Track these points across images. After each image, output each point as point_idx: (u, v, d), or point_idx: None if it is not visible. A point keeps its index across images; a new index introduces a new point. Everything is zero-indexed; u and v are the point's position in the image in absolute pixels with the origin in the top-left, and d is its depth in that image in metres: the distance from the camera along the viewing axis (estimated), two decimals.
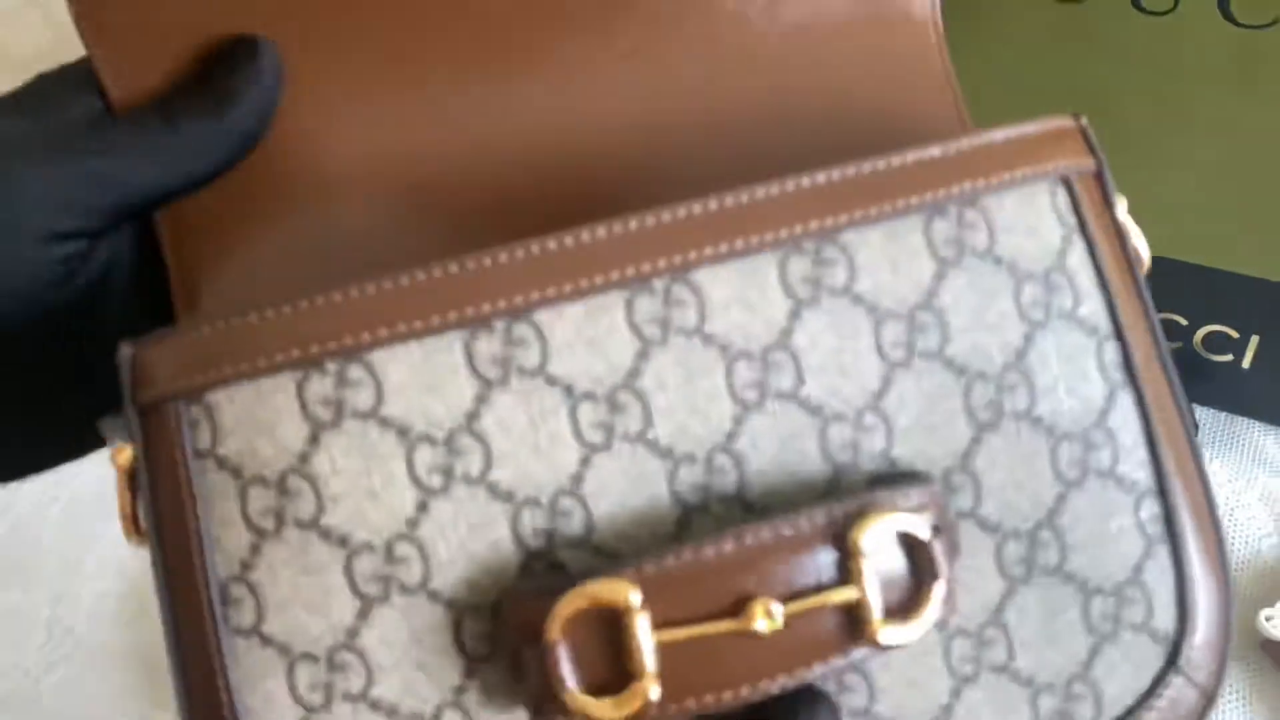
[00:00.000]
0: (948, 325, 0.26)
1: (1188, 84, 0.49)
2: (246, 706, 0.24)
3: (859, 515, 0.23)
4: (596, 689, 0.23)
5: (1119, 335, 0.27)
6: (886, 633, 0.23)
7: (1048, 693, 0.26)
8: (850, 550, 0.23)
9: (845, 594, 0.23)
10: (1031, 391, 0.26)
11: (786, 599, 0.23)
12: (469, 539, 0.25)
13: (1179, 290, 0.57)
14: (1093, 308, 0.27)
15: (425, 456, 0.25)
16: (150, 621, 0.61)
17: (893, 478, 0.26)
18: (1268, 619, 0.50)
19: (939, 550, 0.24)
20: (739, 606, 0.23)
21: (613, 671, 0.23)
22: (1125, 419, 0.27)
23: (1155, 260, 0.56)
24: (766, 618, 0.23)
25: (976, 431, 0.26)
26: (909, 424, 0.26)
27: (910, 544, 0.24)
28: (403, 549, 0.25)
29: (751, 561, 0.23)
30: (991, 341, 0.26)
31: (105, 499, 0.67)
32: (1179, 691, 0.26)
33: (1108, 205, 0.29)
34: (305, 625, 0.25)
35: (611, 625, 0.23)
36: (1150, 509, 0.26)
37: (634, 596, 0.23)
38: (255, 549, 0.25)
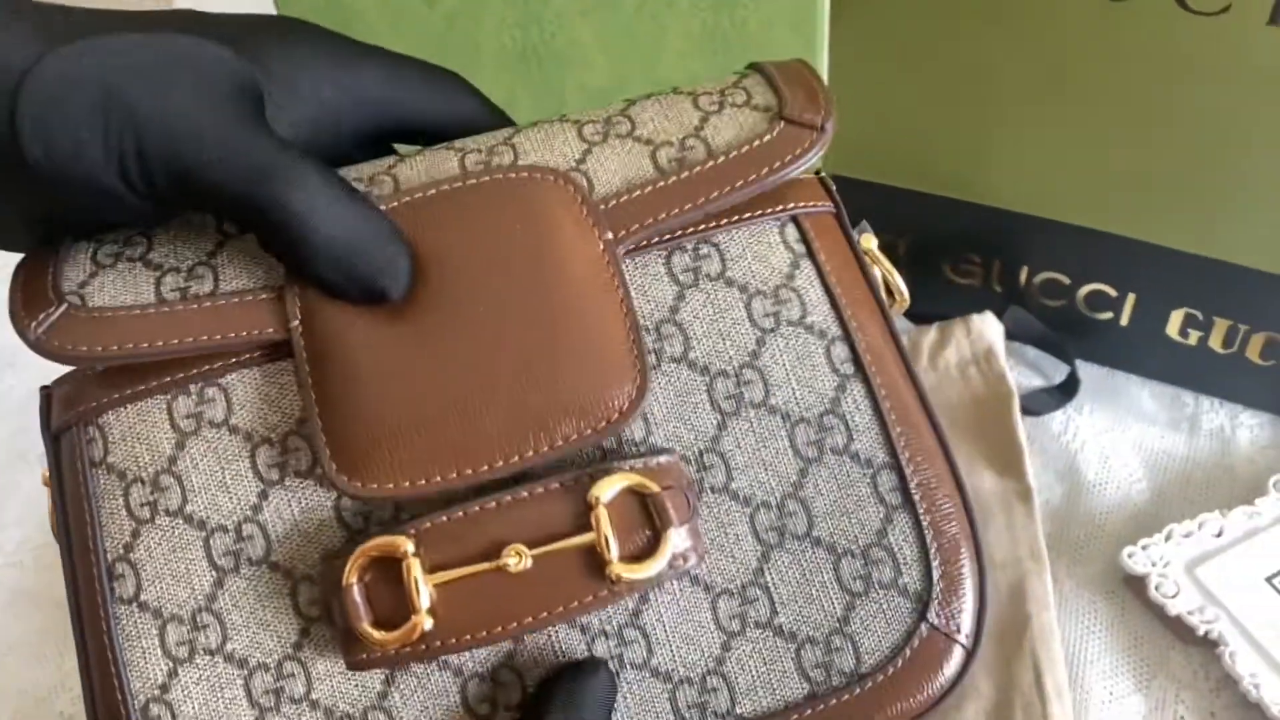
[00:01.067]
0: (689, 335, 0.31)
1: (1068, 55, 0.52)
2: (126, 661, 0.29)
3: (597, 476, 0.29)
4: (383, 624, 0.28)
5: (847, 337, 0.31)
6: (623, 571, 0.28)
7: (809, 646, 0.30)
8: (590, 504, 0.28)
9: (584, 539, 0.28)
10: (766, 385, 0.31)
11: (535, 545, 0.28)
12: (301, 520, 0.30)
13: (1063, 251, 0.60)
14: (820, 316, 0.32)
15: (264, 455, 0.30)
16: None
17: (637, 454, 0.30)
18: (1129, 555, 0.53)
19: (669, 502, 0.28)
20: (495, 551, 0.28)
21: (396, 609, 0.28)
22: (857, 405, 0.31)
23: (1041, 222, 0.59)
24: (516, 557, 0.28)
25: (721, 419, 0.31)
26: (664, 415, 0.31)
27: (644, 499, 0.29)
28: (249, 529, 0.30)
29: (506, 515, 0.28)
30: (728, 345, 0.31)
31: (25, 454, 0.68)
32: (933, 642, 0.29)
33: (845, 237, 0.34)
34: (174, 593, 0.30)
35: (395, 572, 0.28)
36: (888, 481, 0.30)
37: (408, 546, 0.28)
38: (135, 534, 0.30)
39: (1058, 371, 0.63)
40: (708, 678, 0.29)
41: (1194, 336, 0.60)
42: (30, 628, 0.59)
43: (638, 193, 0.32)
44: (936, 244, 0.64)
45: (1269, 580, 0.52)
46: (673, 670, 0.30)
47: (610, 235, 0.31)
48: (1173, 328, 0.60)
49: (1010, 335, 0.63)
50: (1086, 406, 0.62)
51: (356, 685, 0.30)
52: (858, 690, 0.29)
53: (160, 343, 0.30)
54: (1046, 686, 0.50)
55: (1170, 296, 0.59)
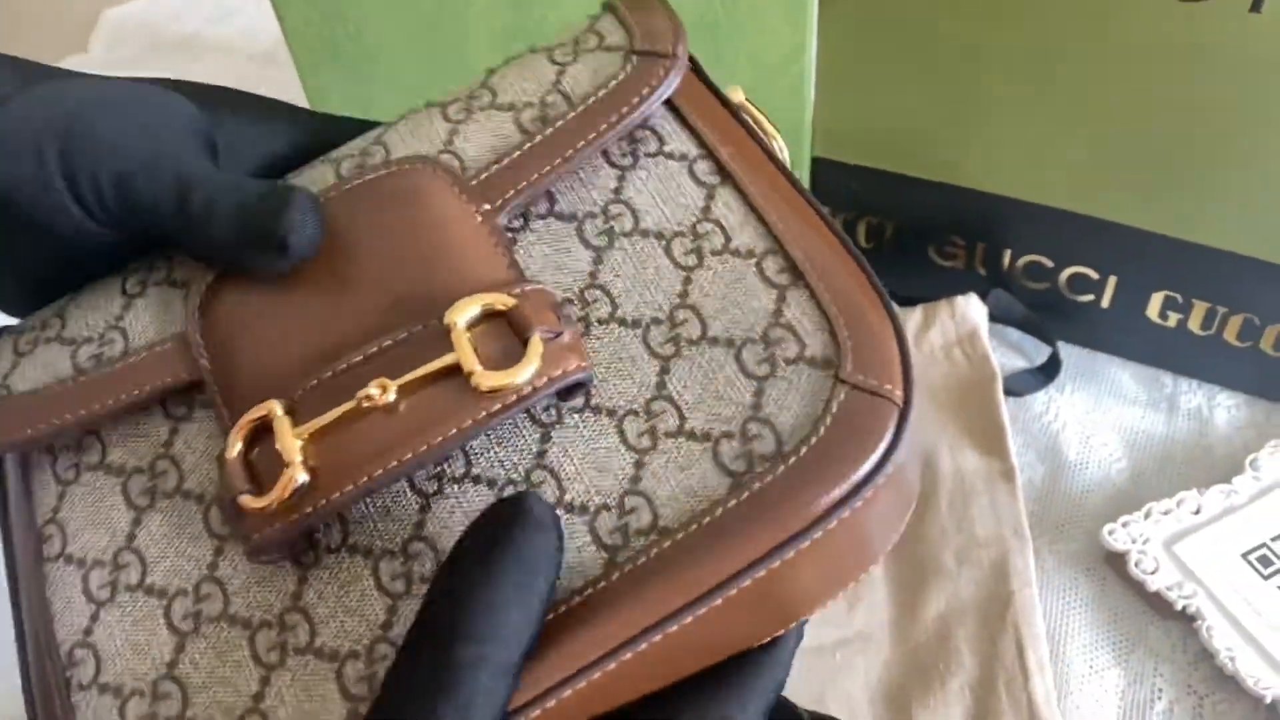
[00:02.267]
0: (555, 197, 0.32)
1: (1053, 41, 0.53)
2: (55, 613, 0.30)
3: (449, 305, 0.28)
4: (263, 491, 0.27)
5: (709, 154, 0.32)
6: (488, 377, 0.27)
7: (726, 440, 0.28)
8: (446, 329, 0.28)
9: (446, 359, 0.27)
10: (635, 214, 0.31)
11: (399, 376, 0.27)
12: (207, 450, 0.30)
13: (1046, 234, 0.61)
14: (679, 143, 0.32)
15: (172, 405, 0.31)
16: None
17: None
18: (1110, 533, 0.54)
19: (528, 309, 0.28)
20: (364, 393, 0.27)
21: (273, 472, 0.27)
22: (728, 206, 0.31)
23: (1025, 206, 0.60)
24: (379, 389, 0.27)
25: (596, 255, 0.31)
26: (536, 269, 0.31)
27: (506, 316, 0.28)
28: (161, 465, 0.30)
29: (371, 364, 0.28)
30: (591, 191, 0.32)
31: None
32: (855, 401, 0.27)
33: (706, 85, 0.33)
34: (95, 540, 0.30)
35: (268, 442, 0.28)
36: (773, 264, 0.30)
37: (277, 409, 0.28)
38: (61, 496, 0.31)
39: (1040, 353, 0.64)
40: (625, 499, 0.28)
41: (1173, 318, 0.61)
42: None
43: (506, 159, 0.32)
44: (922, 227, 0.65)
45: (1245, 556, 0.53)
46: (588, 501, 0.28)
47: (487, 206, 0.31)
48: (1153, 310, 0.61)
49: (993, 317, 0.64)
50: (1068, 387, 0.63)
51: (270, 590, 0.29)
52: (782, 468, 0.26)
53: (82, 412, 0.30)
54: (1028, 661, 0.51)
55: (1150, 279, 0.60)
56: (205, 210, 0.30)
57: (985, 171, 0.60)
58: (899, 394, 0.27)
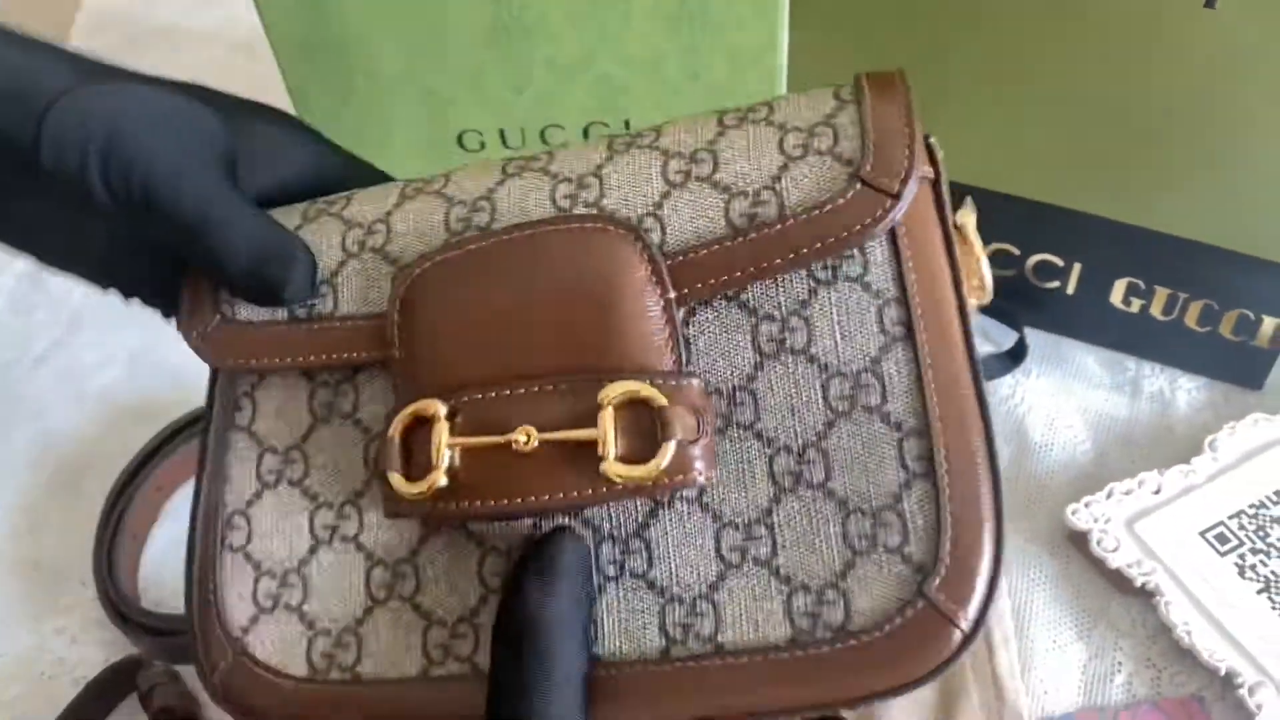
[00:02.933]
0: (744, 295, 0.32)
1: (1018, 35, 0.54)
2: (229, 479, 0.35)
3: (610, 380, 0.30)
4: (412, 479, 0.31)
5: (904, 301, 0.31)
6: (614, 468, 0.29)
7: (802, 592, 0.29)
8: (599, 404, 0.30)
9: (586, 433, 0.30)
10: (810, 335, 0.31)
11: (545, 431, 0.30)
12: (383, 396, 0.34)
13: (1012, 223, 0.63)
14: (878, 275, 0.31)
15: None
16: (45, 535, 0.63)
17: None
18: (1073, 513, 0.56)
19: (674, 416, 0.30)
20: (511, 430, 0.31)
21: (422, 465, 0.31)
22: (898, 366, 0.30)
23: (992, 195, 0.61)
24: (525, 436, 0.30)
25: (759, 359, 0.32)
26: (704, 349, 0.32)
27: (651, 412, 0.30)
28: (344, 388, 0.35)
29: (529, 401, 0.31)
30: (784, 293, 0.32)
31: (4, 418, 0.69)
32: (927, 618, 0.28)
33: (938, 209, 0.33)
34: (276, 429, 0.35)
35: (426, 435, 0.31)
36: (914, 448, 0.30)
37: (441, 410, 0.31)
38: (256, 384, 0.36)
39: (1007, 338, 0.66)
40: (698, 601, 0.30)
41: (1136, 304, 0.62)
42: (8, 592, 0.60)
43: (705, 251, 0.32)
44: None
45: (1203, 534, 0.55)
46: (667, 587, 0.31)
47: (673, 294, 0.32)
48: (1116, 296, 0.63)
49: None
50: (1034, 371, 0.65)
51: (396, 537, 0.33)
52: (839, 646, 0.29)
53: (288, 360, 0.35)
54: (993, 636, 0.53)
55: (1114, 266, 0.62)
56: (220, 241, 0.34)
57: (951, 161, 0.61)
58: (968, 625, 0.28)
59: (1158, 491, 0.57)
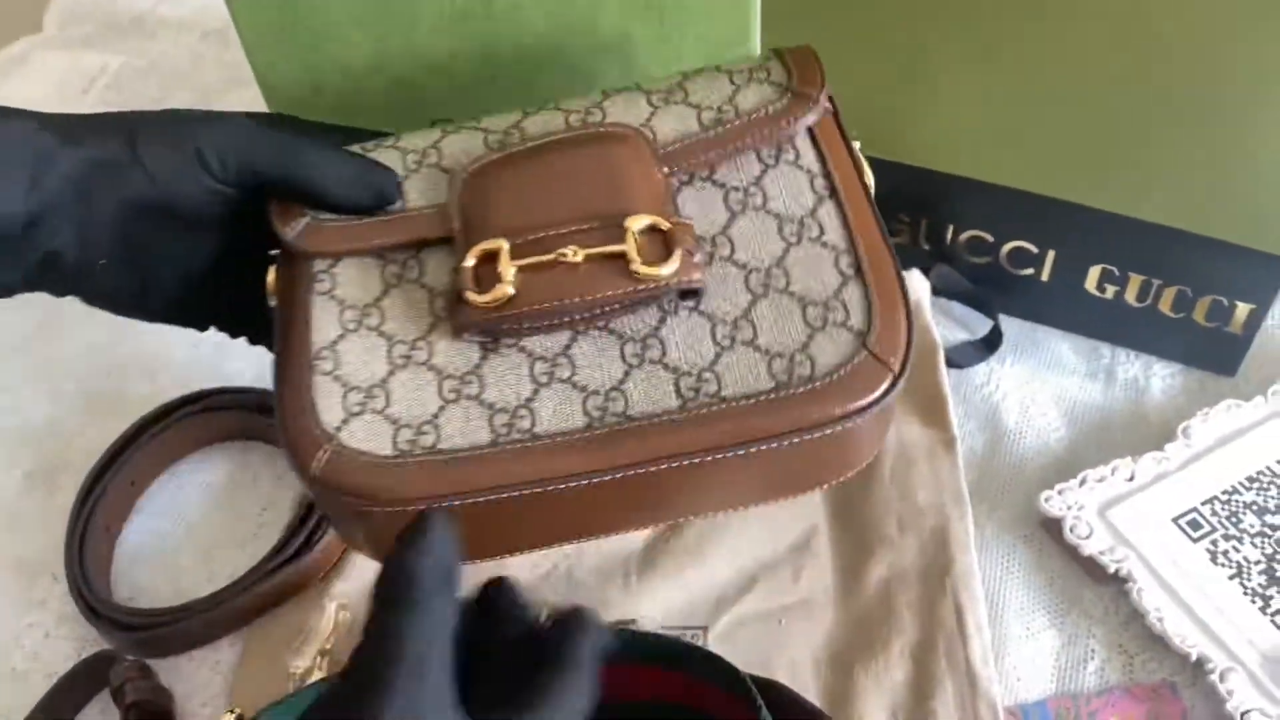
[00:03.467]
0: (714, 169, 0.45)
1: (992, 20, 0.54)
2: (314, 326, 0.44)
3: (629, 215, 0.43)
4: (480, 293, 0.42)
5: (827, 175, 0.45)
6: (642, 268, 0.41)
7: (779, 359, 0.41)
8: (624, 229, 0.42)
9: (619, 247, 0.42)
10: (765, 197, 0.45)
11: (588, 248, 0.42)
12: (442, 266, 0.44)
13: (987, 210, 0.63)
14: (809, 160, 0.45)
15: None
16: (18, 529, 0.63)
17: None
18: (1046, 500, 0.56)
19: (678, 233, 0.42)
20: (561, 251, 0.42)
21: (489, 283, 0.42)
22: (828, 214, 0.44)
23: (966, 183, 0.61)
24: (572, 250, 0.42)
25: (731, 215, 0.44)
26: (690, 211, 0.45)
27: (663, 234, 0.42)
28: (410, 263, 0.45)
29: (572, 235, 0.42)
30: (743, 172, 0.45)
31: None
32: (869, 363, 0.40)
33: (841, 132, 0.46)
34: (354, 292, 0.45)
35: (495, 263, 0.42)
36: (846, 261, 0.43)
37: (505, 244, 0.42)
38: (336, 260, 0.45)
39: (982, 326, 0.66)
40: (703, 373, 0.41)
41: (1110, 291, 0.62)
42: None
43: (686, 142, 0.45)
44: None
45: (1175, 521, 0.55)
46: (678, 365, 0.42)
47: (666, 169, 0.45)
48: (1090, 283, 0.63)
49: (936, 291, 0.65)
50: (1009, 359, 0.65)
51: (461, 355, 0.43)
52: (810, 388, 0.40)
53: (368, 243, 0.45)
54: (967, 624, 0.53)
55: (1088, 253, 0.62)
56: (323, 177, 0.45)
57: (927, 149, 0.61)
58: (897, 368, 0.41)
59: (1131, 478, 0.57)
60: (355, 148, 0.48)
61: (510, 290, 0.42)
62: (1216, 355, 0.63)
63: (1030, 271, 0.64)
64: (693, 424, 0.41)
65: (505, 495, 0.41)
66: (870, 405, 0.40)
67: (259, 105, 0.59)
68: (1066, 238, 0.62)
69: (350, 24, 0.55)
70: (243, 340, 0.52)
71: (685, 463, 0.41)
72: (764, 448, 0.40)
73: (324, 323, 0.44)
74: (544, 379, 0.42)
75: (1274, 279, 0.58)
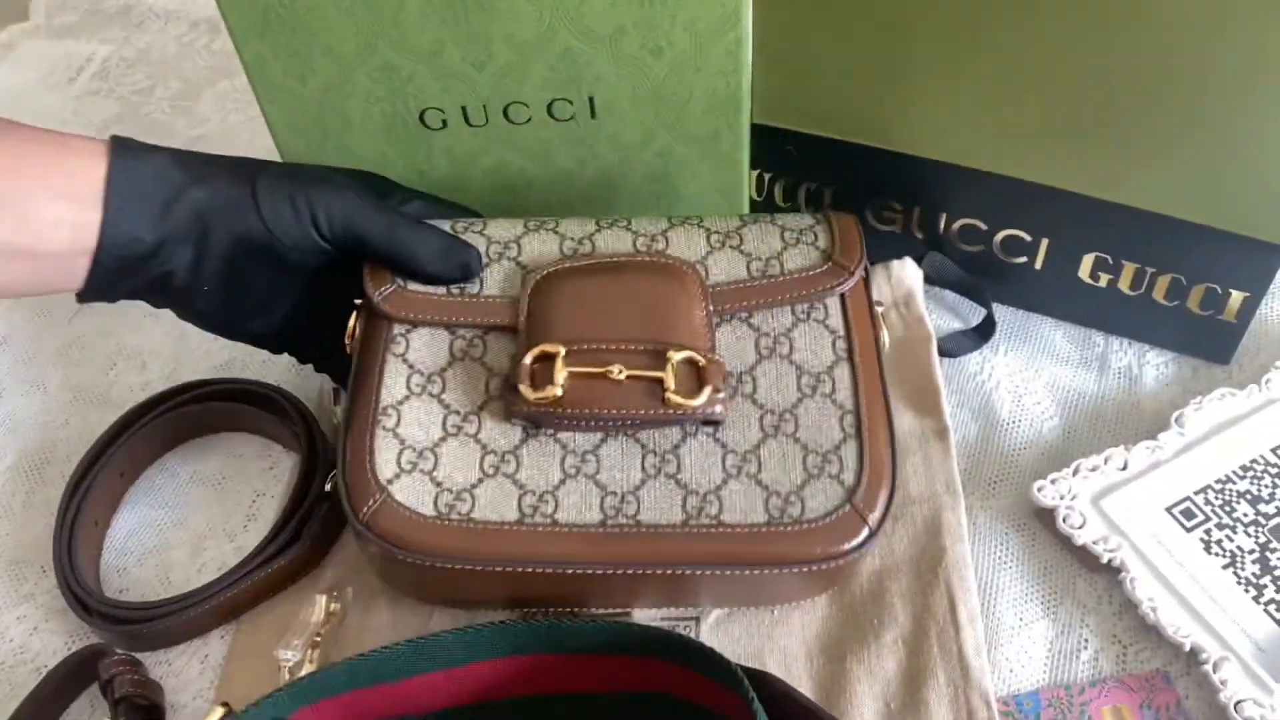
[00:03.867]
0: (752, 314, 0.53)
1: (981, 6, 0.54)
2: (385, 385, 0.51)
3: (673, 348, 0.49)
4: (533, 389, 0.49)
5: (848, 337, 0.52)
6: (674, 397, 0.48)
7: (776, 496, 0.48)
8: (666, 360, 0.49)
9: (658, 374, 0.49)
10: (791, 347, 0.52)
11: (630, 369, 0.49)
12: (503, 350, 0.52)
13: (979, 198, 0.62)
14: (834, 323, 0.52)
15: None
16: (6, 523, 0.63)
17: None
18: (1039, 489, 0.56)
19: (711, 371, 0.49)
20: (608, 368, 0.49)
21: (542, 382, 0.49)
22: (842, 373, 0.51)
23: (960, 171, 0.61)
24: (618, 369, 0.49)
25: (759, 358, 0.52)
26: (724, 349, 0.52)
27: (699, 370, 0.49)
28: (476, 343, 0.52)
29: (619, 355, 0.50)
30: (776, 321, 0.52)
31: None
32: (851, 516, 0.48)
33: (867, 299, 0.54)
34: (424, 359, 0.52)
35: (550, 367, 0.49)
36: (850, 421, 0.50)
37: (561, 349, 0.49)
38: (411, 329, 0.52)
39: (975, 315, 0.66)
40: (708, 495, 0.48)
41: (1104, 279, 0.62)
42: None
43: (733, 287, 0.53)
44: (860, 191, 0.66)
45: (1169, 510, 0.55)
46: (688, 484, 0.49)
47: (711, 306, 0.52)
48: (1084, 271, 0.62)
49: (929, 280, 0.65)
50: (1002, 347, 0.65)
51: (505, 435, 0.50)
52: (798, 528, 0.47)
53: (446, 318, 0.52)
54: (959, 614, 0.52)
55: (1082, 241, 0.61)
56: (414, 251, 0.52)
57: (919, 137, 0.61)
58: (874, 524, 0.48)
59: (1124, 467, 0.57)
60: (445, 225, 0.55)
61: (558, 392, 0.48)
62: (1210, 343, 0.62)
63: (1023, 260, 0.64)
64: (691, 539, 0.48)
65: (520, 570, 0.48)
66: (847, 552, 0.47)
67: (247, 93, 0.59)
68: (1059, 225, 0.61)
69: (338, 10, 0.55)
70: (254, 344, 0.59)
71: (678, 571, 0.48)
72: (748, 572, 0.48)
73: (393, 382, 0.51)
74: (572, 471, 0.49)
75: (1268, 266, 0.58)
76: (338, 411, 0.62)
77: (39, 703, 0.53)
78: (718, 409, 0.49)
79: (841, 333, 0.52)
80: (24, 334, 0.73)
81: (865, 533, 0.47)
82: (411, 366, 0.51)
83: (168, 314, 0.64)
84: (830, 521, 0.47)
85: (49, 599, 0.58)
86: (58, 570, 0.57)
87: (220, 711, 0.46)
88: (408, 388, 0.51)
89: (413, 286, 0.53)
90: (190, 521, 0.61)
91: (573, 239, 0.54)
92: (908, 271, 0.64)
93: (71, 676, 0.54)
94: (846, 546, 0.47)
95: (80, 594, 0.55)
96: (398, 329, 0.52)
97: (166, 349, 0.71)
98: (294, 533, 0.57)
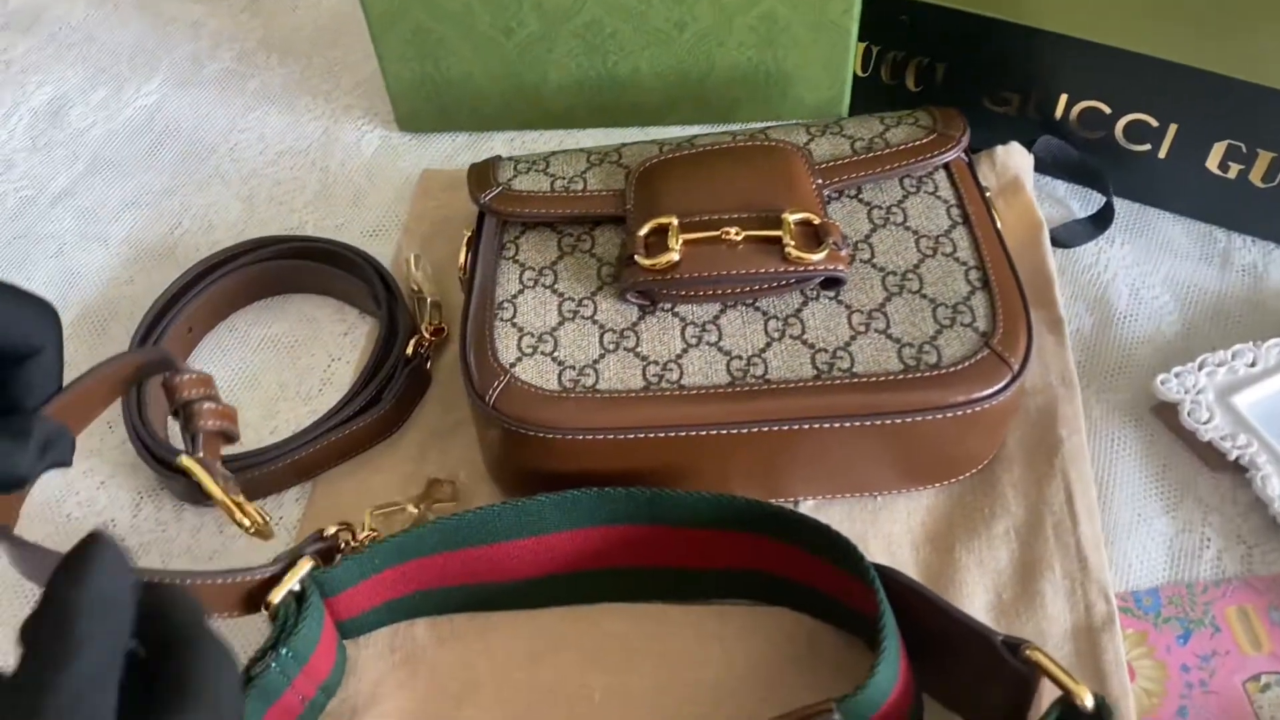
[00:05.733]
0: (861, 189, 0.53)
1: None
2: (499, 283, 0.52)
3: (789, 210, 0.49)
4: (648, 258, 0.49)
5: (960, 205, 0.52)
6: (795, 252, 0.48)
7: (908, 347, 0.47)
8: (780, 219, 0.49)
9: (775, 232, 0.48)
10: (905, 215, 0.52)
11: (747, 229, 0.49)
12: (610, 241, 0.53)
13: (1103, 77, 0.58)
14: (945, 191, 0.52)
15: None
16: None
17: None
18: (1162, 382, 0.53)
19: (830, 227, 0.49)
20: (724, 230, 0.49)
21: (658, 251, 0.49)
22: (960, 236, 0.51)
23: (1083, 45, 0.57)
24: (735, 231, 0.49)
25: (873, 227, 0.51)
26: (837, 219, 0.52)
27: (814, 227, 0.49)
28: (584, 238, 0.53)
29: (732, 221, 0.49)
30: (886, 195, 0.52)
31: (23, 257, 0.65)
32: (991, 360, 0.46)
33: (971, 171, 0.54)
34: (533, 257, 0.53)
35: (664, 236, 0.49)
36: (975, 275, 0.49)
37: (674, 220, 0.50)
38: (521, 233, 0.54)
39: (1088, 206, 0.62)
40: (838, 351, 0.47)
41: (1234, 170, 0.58)
42: None
43: (838, 162, 0.52)
44: (974, 69, 0.62)
45: None
46: (815, 343, 0.48)
47: (819, 181, 0.52)
48: (1213, 160, 0.59)
49: (1041, 166, 0.62)
50: (1118, 239, 0.61)
51: (621, 314, 0.50)
52: (936, 373, 0.46)
53: (552, 211, 0.53)
54: (1077, 506, 0.50)
55: (1213, 127, 0.58)
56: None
57: (1044, 7, 0.57)
58: (1017, 367, 0.47)
59: (1253, 364, 0.54)
60: (513, 159, 0.57)
61: (676, 257, 0.48)
62: None
63: (1146, 147, 0.60)
64: (826, 392, 0.46)
65: (649, 435, 0.47)
66: (990, 396, 0.46)
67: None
68: (1191, 109, 0.58)
69: (486, 81, 0.64)
70: (300, 197, 0.59)
71: (815, 426, 0.46)
72: (888, 422, 0.46)
73: (507, 280, 0.52)
74: (693, 341, 0.49)
75: None
76: (418, 277, 0.59)
77: (99, 378, 0.44)
78: (839, 267, 0.48)
79: (954, 201, 0.51)
80: (85, 187, 0.70)
81: (1008, 375, 0.46)
82: (523, 265, 0.52)
83: (235, 174, 0.63)
84: (969, 366, 0.46)
85: (116, 453, 0.56)
86: (127, 422, 0.54)
87: (309, 564, 0.44)
88: (520, 282, 0.51)
89: (517, 185, 0.54)
90: (262, 382, 0.59)
91: (671, 141, 0.55)
92: (1014, 157, 0.61)
93: (137, 372, 0.46)
94: (990, 389, 0.46)
95: (151, 445, 0.53)
96: (507, 236, 0.53)
97: (234, 210, 0.68)
98: (374, 394, 0.55)
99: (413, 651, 0.48)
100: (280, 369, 0.59)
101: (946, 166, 0.53)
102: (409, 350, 0.56)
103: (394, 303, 0.58)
